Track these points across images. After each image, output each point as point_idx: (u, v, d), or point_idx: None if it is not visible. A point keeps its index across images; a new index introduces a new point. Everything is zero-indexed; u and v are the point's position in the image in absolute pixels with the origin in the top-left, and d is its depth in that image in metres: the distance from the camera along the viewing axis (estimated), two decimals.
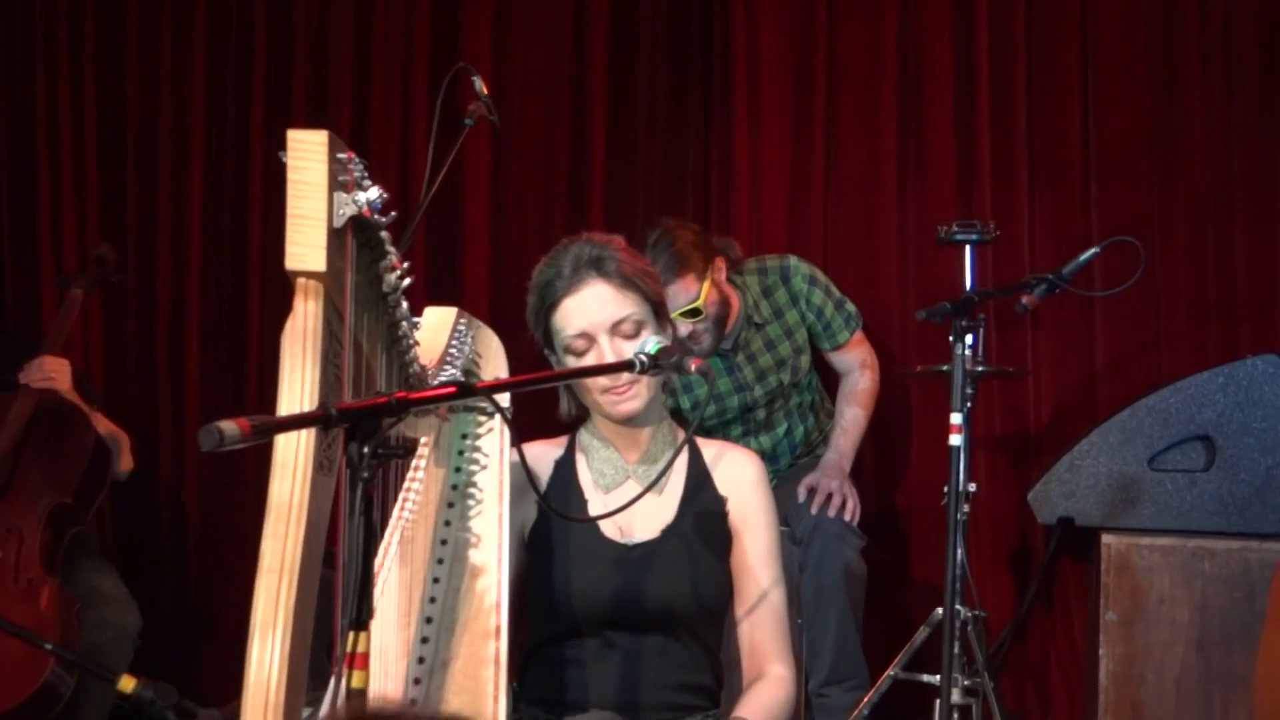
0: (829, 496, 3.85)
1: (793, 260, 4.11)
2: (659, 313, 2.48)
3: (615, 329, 2.42)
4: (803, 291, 4.07)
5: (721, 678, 2.56)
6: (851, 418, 4.08)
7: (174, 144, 4.78)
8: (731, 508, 2.54)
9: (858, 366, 4.13)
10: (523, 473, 2.39)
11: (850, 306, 4.14)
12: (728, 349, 4.03)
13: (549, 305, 2.45)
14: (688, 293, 3.80)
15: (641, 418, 2.49)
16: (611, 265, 2.43)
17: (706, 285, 3.83)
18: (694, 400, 4.05)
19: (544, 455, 2.58)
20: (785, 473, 4.12)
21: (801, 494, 3.87)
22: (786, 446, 4.16)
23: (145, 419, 4.65)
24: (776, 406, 4.12)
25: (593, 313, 2.42)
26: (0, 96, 4.86)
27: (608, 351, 2.40)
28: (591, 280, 2.42)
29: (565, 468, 2.57)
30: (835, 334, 4.11)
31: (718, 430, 4.09)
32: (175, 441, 4.73)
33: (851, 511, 3.85)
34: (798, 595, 3.77)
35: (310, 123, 1.89)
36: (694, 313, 3.81)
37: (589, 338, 2.42)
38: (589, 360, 2.42)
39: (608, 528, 2.47)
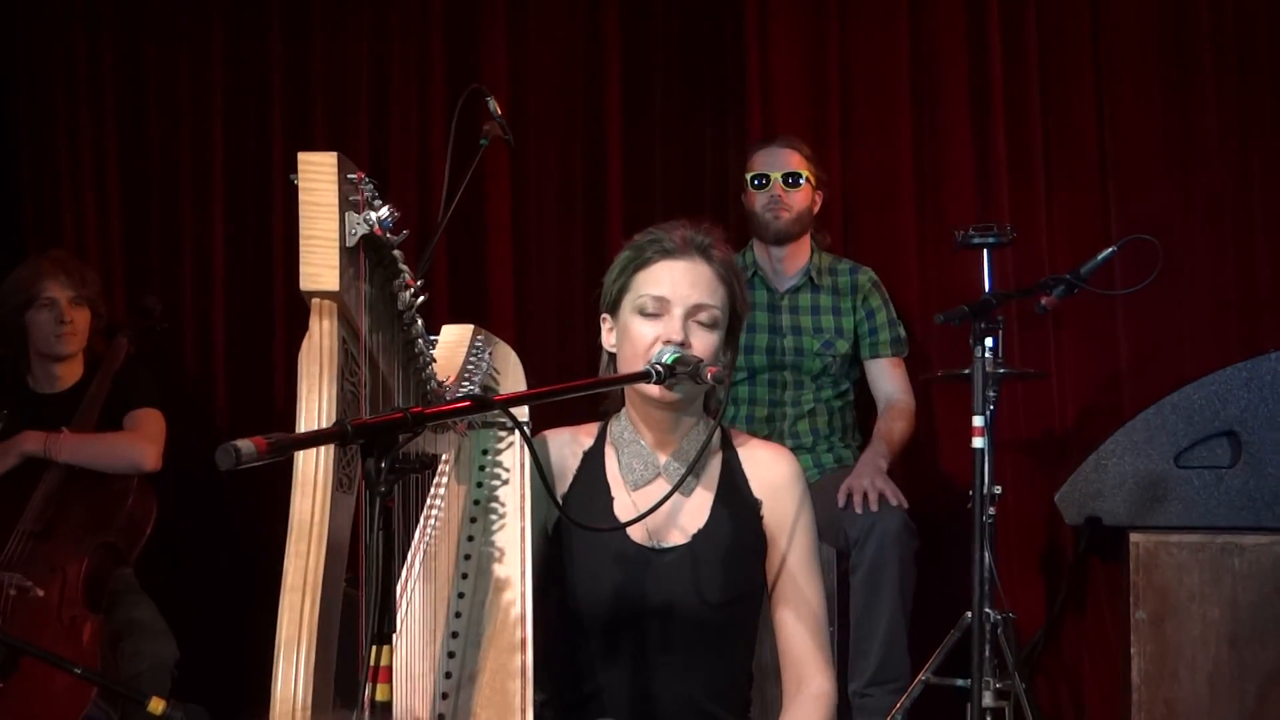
0: (866, 494, 3.85)
1: (867, 267, 4.26)
2: (733, 329, 2.44)
3: (695, 311, 2.36)
4: (865, 288, 4.22)
5: (751, 688, 2.50)
6: (885, 431, 4.12)
7: (195, 178, 4.83)
8: (767, 511, 2.46)
9: (891, 392, 4.19)
10: (547, 455, 2.43)
11: (902, 331, 4.22)
12: (782, 290, 4.18)
13: (643, 260, 2.40)
14: (793, 165, 4.10)
15: (678, 411, 2.42)
16: (717, 256, 2.41)
17: (811, 178, 4.11)
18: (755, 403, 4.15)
19: (572, 444, 2.52)
20: (816, 483, 4.12)
21: (841, 499, 3.87)
22: (810, 440, 4.18)
23: (175, 447, 4.67)
24: (805, 388, 4.16)
25: (684, 286, 2.36)
26: (23, 136, 4.91)
27: (677, 327, 2.34)
28: (696, 259, 2.39)
29: (594, 460, 2.50)
30: (878, 345, 4.19)
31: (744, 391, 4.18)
32: (207, 468, 4.73)
33: (894, 497, 3.84)
34: (834, 603, 3.77)
35: (329, 149, 1.90)
36: (794, 177, 3.92)
37: (667, 305, 2.35)
38: (649, 328, 2.36)
39: (635, 529, 2.37)
